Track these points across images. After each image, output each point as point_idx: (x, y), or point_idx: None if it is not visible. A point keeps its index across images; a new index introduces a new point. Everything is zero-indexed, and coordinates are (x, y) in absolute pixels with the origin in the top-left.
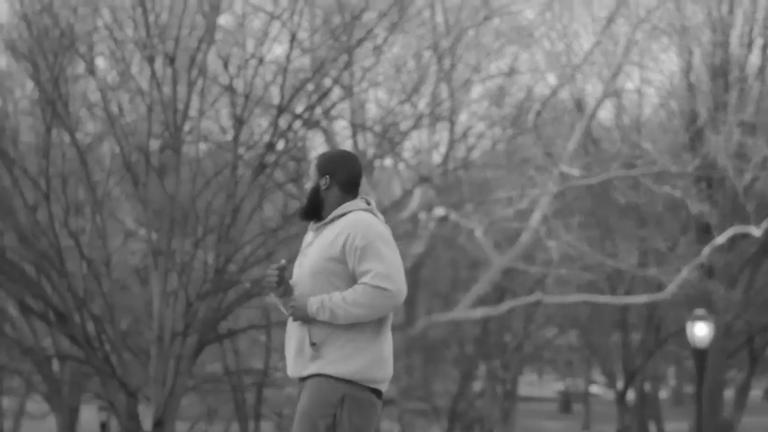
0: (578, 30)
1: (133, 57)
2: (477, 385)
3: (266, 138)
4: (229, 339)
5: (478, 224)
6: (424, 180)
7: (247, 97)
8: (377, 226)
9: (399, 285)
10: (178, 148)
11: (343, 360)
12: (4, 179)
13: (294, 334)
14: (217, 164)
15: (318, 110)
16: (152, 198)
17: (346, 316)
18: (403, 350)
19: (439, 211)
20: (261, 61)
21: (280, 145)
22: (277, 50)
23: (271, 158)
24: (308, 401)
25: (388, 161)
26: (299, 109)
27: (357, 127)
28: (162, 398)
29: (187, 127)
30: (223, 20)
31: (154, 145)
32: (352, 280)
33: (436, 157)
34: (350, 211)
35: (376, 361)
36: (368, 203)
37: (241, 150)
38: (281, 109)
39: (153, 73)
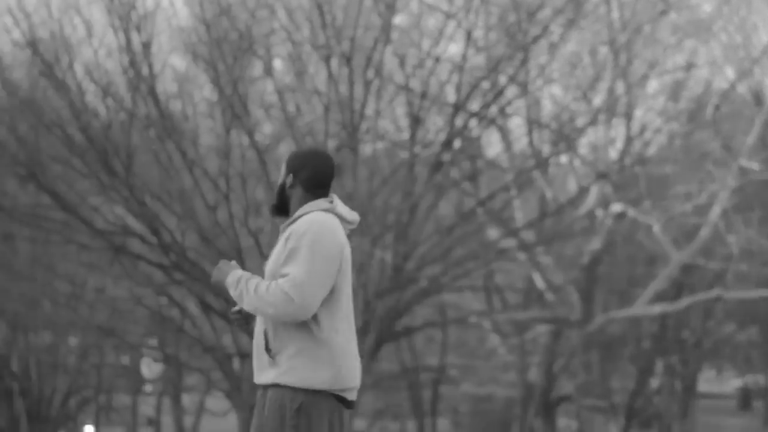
0: (756, 22)
1: (309, 58)
2: (655, 382)
3: (442, 136)
4: (405, 337)
5: (656, 220)
6: (600, 176)
7: (423, 95)
8: (319, 229)
9: (308, 299)
10: (355, 147)
11: (300, 370)
12: (186, 180)
13: (256, 340)
14: (394, 163)
15: (493, 108)
16: None
17: (250, 304)
18: (580, 347)
19: (617, 208)
20: (437, 59)
21: (456, 143)
22: (453, 49)
23: (447, 156)
24: (268, 413)
25: (563, 158)
26: (475, 107)
27: (532, 125)
28: None
29: (363, 127)
30: (399, 19)
31: (331, 144)
32: None
33: (613, 153)
34: (308, 213)
35: (342, 369)
36: (331, 201)
37: (417, 148)
38: (457, 108)
39: (330, 74)
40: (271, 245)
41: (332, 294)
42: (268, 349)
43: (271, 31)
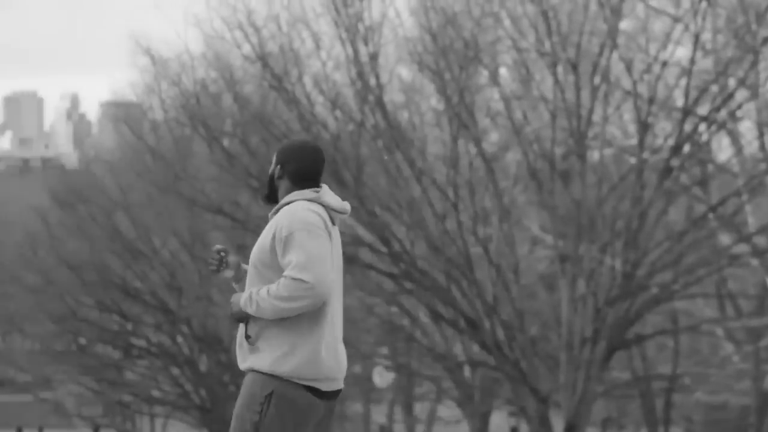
0: None
1: (535, 65)
2: None
3: (671, 141)
4: (636, 345)
5: None
6: None
7: (650, 101)
8: (305, 214)
9: (319, 276)
10: (583, 154)
11: (278, 357)
12: (414, 189)
13: (239, 329)
14: (622, 169)
15: (723, 112)
16: (558, 204)
17: (272, 309)
18: None
19: None
20: (664, 64)
21: (686, 148)
22: (680, 52)
23: (676, 162)
24: (240, 398)
25: None
26: (704, 111)
27: (764, 128)
28: (572, 404)
29: (591, 133)
30: (625, 24)
31: (559, 151)
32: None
33: None
34: (292, 201)
35: (310, 358)
36: (316, 191)
37: (646, 154)
38: (686, 112)
39: (556, 80)
40: (500, 253)
41: None
42: (247, 336)
43: (496, 40)
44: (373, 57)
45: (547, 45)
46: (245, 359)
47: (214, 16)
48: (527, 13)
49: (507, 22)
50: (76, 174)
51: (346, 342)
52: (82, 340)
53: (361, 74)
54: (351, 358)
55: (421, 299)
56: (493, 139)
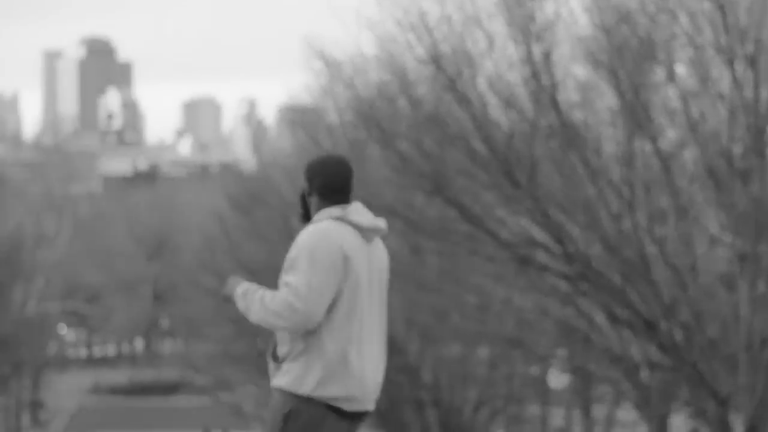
0: None
1: (712, 61)
2: None
3: None
4: None
5: None
6: None
7: None
8: (317, 238)
9: (311, 306)
10: (762, 151)
11: (297, 376)
12: (589, 189)
13: (268, 348)
14: None
15: None
16: (737, 202)
17: (257, 316)
18: None
19: None
20: None
21: None
22: None
23: None
24: (267, 419)
25: None
26: None
27: None
28: (753, 406)
29: None
30: None
31: (737, 149)
32: None
33: None
34: (316, 221)
35: (329, 377)
36: (343, 209)
37: None
38: None
39: (734, 77)
40: (676, 252)
41: (333, 301)
42: (275, 356)
43: (672, 36)
44: (547, 56)
45: (725, 41)
46: (272, 377)
47: (386, 18)
48: (704, 8)
49: (683, 18)
50: (253, 178)
51: (521, 343)
52: (261, 343)
53: (534, 74)
54: (527, 361)
55: (597, 301)
56: (669, 136)
